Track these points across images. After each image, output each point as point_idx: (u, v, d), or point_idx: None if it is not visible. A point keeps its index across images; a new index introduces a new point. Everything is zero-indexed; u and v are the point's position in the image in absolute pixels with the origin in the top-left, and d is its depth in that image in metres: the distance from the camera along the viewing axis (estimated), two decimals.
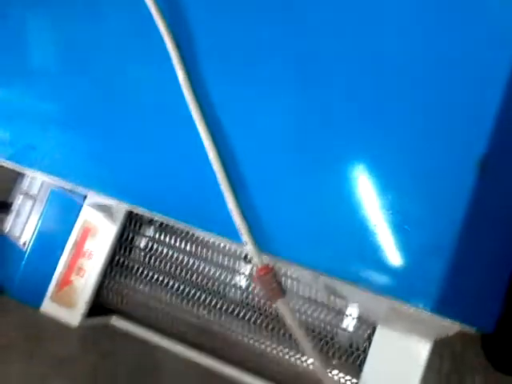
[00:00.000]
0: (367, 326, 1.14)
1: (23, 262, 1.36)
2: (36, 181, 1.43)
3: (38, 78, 0.96)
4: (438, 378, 1.19)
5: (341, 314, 1.16)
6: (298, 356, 1.18)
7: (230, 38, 0.82)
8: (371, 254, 0.71)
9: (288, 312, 0.72)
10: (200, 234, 0.86)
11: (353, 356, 1.14)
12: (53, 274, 1.30)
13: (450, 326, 0.76)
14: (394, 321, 1.01)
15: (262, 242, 0.74)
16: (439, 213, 0.69)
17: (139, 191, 0.84)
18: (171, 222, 0.87)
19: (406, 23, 0.75)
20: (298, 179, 0.76)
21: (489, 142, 0.69)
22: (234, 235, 0.75)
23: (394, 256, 0.70)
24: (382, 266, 0.70)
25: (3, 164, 0.99)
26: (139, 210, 0.95)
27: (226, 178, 0.75)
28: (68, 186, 0.95)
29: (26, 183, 1.46)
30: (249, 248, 0.72)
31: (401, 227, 0.70)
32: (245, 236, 0.72)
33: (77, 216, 1.30)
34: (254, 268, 0.73)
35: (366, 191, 0.72)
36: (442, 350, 1.08)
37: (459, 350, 1.30)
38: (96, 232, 1.29)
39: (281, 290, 0.72)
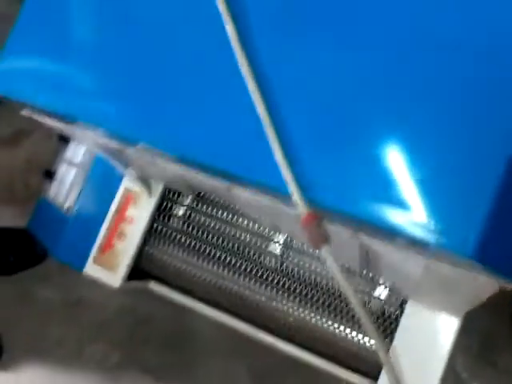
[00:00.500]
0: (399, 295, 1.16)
1: (67, 227, 1.42)
2: (79, 149, 1.48)
3: (87, 36, 0.99)
4: (467, 355, 1.20)
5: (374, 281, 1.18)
6: (334, 324, 1.20)
7: None
8: (411, 205, 0.72)
9: (332, 258, 0.74)
10: (241, 193, 0.88)
11: (384, 324, 1.16)
12: (95, 239, 1.35)
13: (487, 284, 0.76)
14: (424, 293, 1.02)
15: (306, 193, 0.76)
16: (479, 161, 0.70)
17: (186, 143, 0.87)
18: (209, 180, 0.90)
19: None
20: (342, 132, 0.78)
21: None
22: (278, 186, 0.77)
23: (433, 206, 0.71)
24: (422, 216, 0.71)
25: (54, 123, 1.03)
26: (176, 185, 0.96)
27: (273, 131, 0.77)
28: (114, 145, 0.98)
29: (69, 152, 1.51)
30: (296, 196, 0.74)
31: (441, 177, 0.72)
32: (291, 184, 0.74)
33: (119, 183, 1.35)
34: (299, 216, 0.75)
35: (408, 143, 0.74)
36: (471, 326, 1.09)
37: (489, 326, 1.31)
38: (137, 199, 1.34)
39: (326, 237, 0.74)
